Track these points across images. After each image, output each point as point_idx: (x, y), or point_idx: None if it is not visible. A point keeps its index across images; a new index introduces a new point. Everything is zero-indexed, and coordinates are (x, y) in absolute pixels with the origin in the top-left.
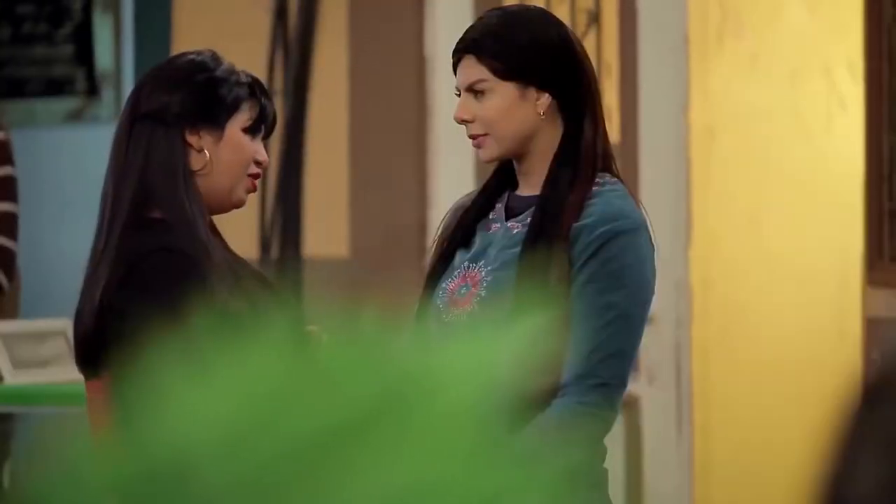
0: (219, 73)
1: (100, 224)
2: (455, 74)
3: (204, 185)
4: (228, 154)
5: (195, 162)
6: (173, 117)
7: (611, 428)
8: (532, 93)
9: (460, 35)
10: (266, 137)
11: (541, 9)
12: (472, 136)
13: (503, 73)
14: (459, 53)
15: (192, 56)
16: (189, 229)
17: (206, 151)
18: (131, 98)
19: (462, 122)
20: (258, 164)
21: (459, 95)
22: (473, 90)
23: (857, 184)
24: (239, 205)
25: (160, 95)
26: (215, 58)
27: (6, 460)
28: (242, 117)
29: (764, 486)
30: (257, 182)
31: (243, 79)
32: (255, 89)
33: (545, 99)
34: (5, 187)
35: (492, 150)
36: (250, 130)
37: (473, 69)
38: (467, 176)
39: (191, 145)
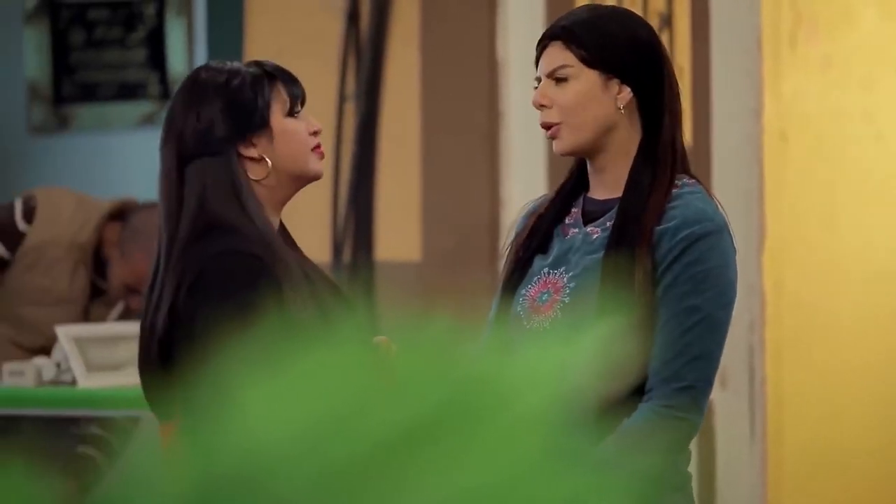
0: (236, 81)
1: (157, 253)
2: (537, 67)
3: (275, 181)
4: (285, 145)
5: (257, 172)
6: (221, 143)
7: (696, 432)
8: (614, 85)
9: (532, 38)
10: (301, 107)
11: (629, 10)
12: (547, 126)
13: (588, 61)
14: (546, 41)
15: (203, 78)
16: (257, 234)
17: (265, 159)
18: (169, 138)
19: (540, 107)
20: (314, 134)
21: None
22: (555, 76)
23: None
24: (318, 176)
25: (199, 127)
26: (219, 68)
27: (115, 462)
28: (278, 106)
29: (838, 490)
30: (324, 150)
31: (254, 70)
32: (269, 73)
33: (626, 93)
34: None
35: (567, 140)
36: (290, 113)
37: (559, 55)
38: (539, 178)
39: (249, 158)
